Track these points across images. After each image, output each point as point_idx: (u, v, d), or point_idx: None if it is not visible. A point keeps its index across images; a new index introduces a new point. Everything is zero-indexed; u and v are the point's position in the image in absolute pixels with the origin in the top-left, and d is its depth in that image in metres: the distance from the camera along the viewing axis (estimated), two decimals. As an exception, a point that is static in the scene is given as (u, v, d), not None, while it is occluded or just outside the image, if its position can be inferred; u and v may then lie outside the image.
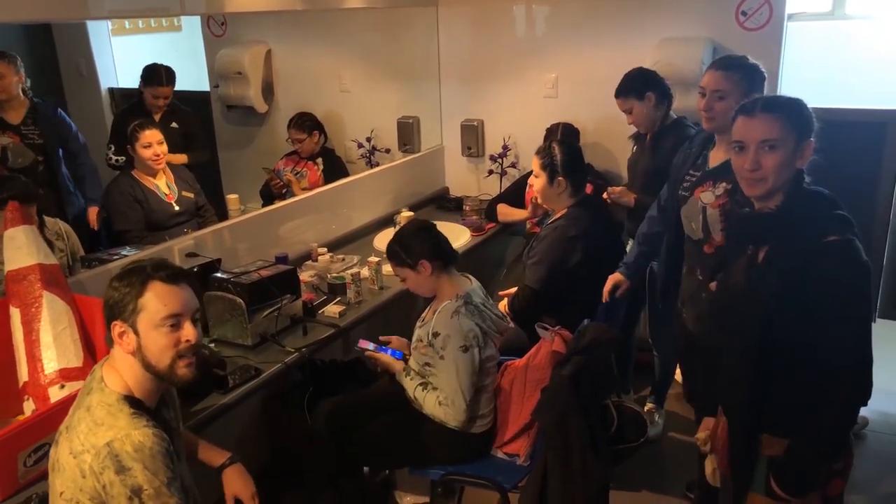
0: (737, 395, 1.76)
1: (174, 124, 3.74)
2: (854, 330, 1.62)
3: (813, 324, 1.61)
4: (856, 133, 3.36)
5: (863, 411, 3.25)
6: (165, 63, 3.71)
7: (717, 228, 2.30)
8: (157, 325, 1.56)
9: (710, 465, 1.97)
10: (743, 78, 2.27)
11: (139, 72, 3.74)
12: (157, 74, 3.69)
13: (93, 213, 3.42)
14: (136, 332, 1.56)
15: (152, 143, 3.25)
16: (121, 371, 1.60)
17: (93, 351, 2.04)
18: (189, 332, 1.59)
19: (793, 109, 1.70)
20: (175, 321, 1.57)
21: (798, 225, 1.65)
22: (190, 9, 2.67)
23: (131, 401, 1.57)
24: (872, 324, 1.70)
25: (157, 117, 3.70)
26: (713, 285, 2.30)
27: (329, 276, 2.99)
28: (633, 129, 3.27)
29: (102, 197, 3.38)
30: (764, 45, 3.32)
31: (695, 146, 2.48)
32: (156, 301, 1.56)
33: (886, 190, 3.38)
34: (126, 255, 2.58)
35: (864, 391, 1.64)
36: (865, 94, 4.40)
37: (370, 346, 2.57)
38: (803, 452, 1.67)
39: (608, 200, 3.04)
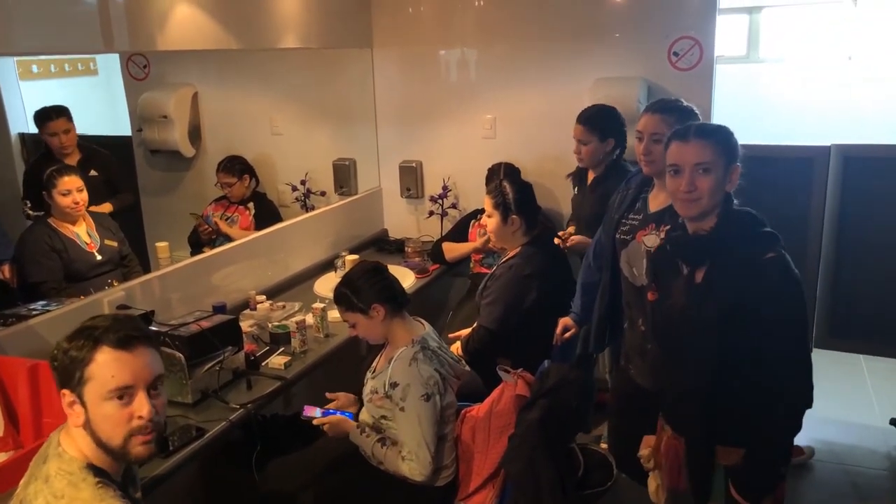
0: (691, 412, 1.82)
1: (93, 172, 3.51)
2: (795, 339, 1.73)
3: (757, 336, 1.70)
4: (784, 169, 3.47)
5: (807, 441, 3.33)
6: (82, 108, 3.51)
7: None
8: (104, 399, 1.38)
9: (653, 483, 2.01)
10: (679, 120, 2.25)
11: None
12: (44, 113, 3.47)
13: (6, 269, 3.14)
14: (84, 405, 1.38)
15: (71, 190, 3.03)
16: (77, 440, 1.41)
17: (14, 418, 1.82)
18: (141, 406, 1.40)
19: (721, 136, 1.81)
20: (125, 395, 1.39)
21: (734, 244, 1.74)
22: (117, 46, 2.52)
23: (96, 470, 1.38)
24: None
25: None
26: None
27: (270, 325, 2.83)
28: (571, 167, 3.27)
29: (15, 247, 3.12)
30: (695, 84, 3.41)
31: (631, 188, 2.45)
32: (103, 371, 1.38)
33: (816, 224, 3.48)
34: (49, 310, 2.36)
35: (808, 395, 1.74)
36: (774, 130, 4.63)
37: (317, 412, 2.42)
38: (760, 458, 1.75)
39: (563, 248, 2.97)
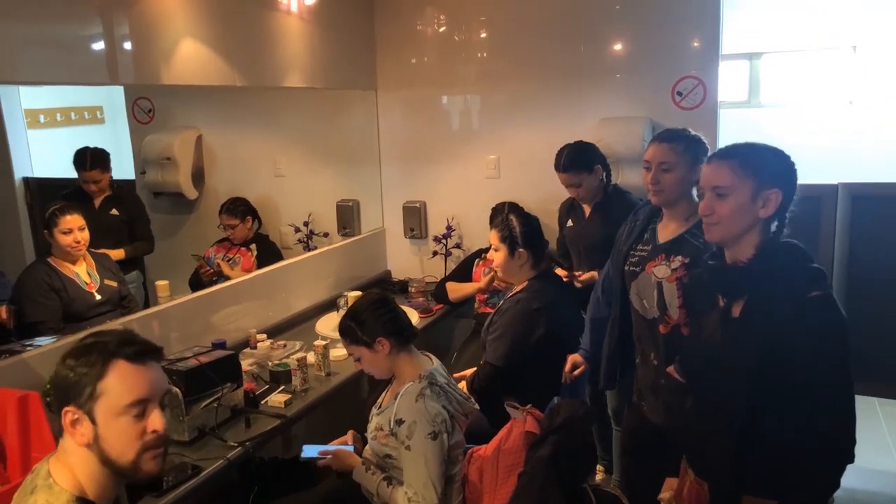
0: (719, 455, 1.67)
1: (114, 211, 3.55)
2: (837, 386, 1.56)
3: (795, 381, 1.54)
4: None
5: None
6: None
7: (675, 305, 2.19)
8: (119, 413, 1.31)
9: None
10: (687, 149, 2.24)
11: (56, 161, 3.55)
12: (82, 158, 3.52)
13: (2, 311, 3.08)
14: (94, 421, 1.31)
15: (73, 229, 3.00)
16: (73, 466, 1.33)
17: (2, 450, 1.75)
18: (156, 420, 1.34)
19: (751, 157, 1.65)
20: (141, 408, 1.33)
21: (776, 279, 1.59)
22: (122, 78, 2.52)
23: (84, 503, 1.30)
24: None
25: (97, 203, 3.53)
26: (671, 369, 2.20)
27: (270, 363, 2.76)
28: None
29: (14, 286, 3.07)
30: (700, 123, 3.37)
31: (639, 220, 2.41)
32: (119, 385, 1.31)
33: (826, 264, 3.42)
34: (41, 346, 2.29)
35: (849, 450, 1.57)
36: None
37: (315, 451, 2.32)
38: None
39: (578, 286, 2.93)
